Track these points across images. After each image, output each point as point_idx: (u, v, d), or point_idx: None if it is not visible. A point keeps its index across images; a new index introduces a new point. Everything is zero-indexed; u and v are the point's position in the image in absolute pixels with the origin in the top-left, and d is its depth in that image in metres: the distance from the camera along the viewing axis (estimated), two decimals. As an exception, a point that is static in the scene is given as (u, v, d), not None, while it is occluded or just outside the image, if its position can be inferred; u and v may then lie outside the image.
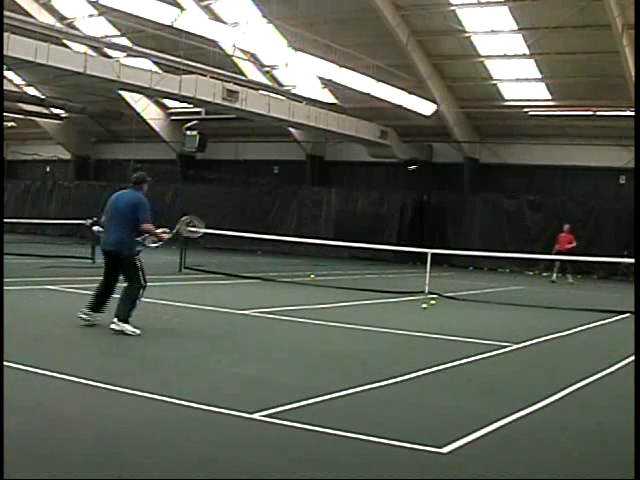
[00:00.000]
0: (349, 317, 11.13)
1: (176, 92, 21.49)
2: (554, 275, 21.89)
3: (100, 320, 8.88)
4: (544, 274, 24.86)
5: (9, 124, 35.33)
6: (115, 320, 8.47)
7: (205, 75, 22.31)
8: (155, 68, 24.11)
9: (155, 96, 27.93)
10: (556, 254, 21.10)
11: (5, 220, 23.44)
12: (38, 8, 28.09)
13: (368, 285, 16.70)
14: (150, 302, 11.66)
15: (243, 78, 25.77)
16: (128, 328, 8.39)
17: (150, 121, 33.10)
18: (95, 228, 20.68)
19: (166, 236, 9.13)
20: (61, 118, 34.40)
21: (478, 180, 29.30)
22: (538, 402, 6.11)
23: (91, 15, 27.96)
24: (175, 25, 18.51)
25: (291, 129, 30.40)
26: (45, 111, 32.34)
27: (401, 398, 6.27)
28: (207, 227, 21.35)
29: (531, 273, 24.97)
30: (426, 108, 26.18)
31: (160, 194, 33.07)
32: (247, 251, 27.44)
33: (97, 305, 8.92)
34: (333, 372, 7.22)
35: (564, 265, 21.39)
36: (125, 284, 8.85)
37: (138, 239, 8.92)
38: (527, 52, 24.20)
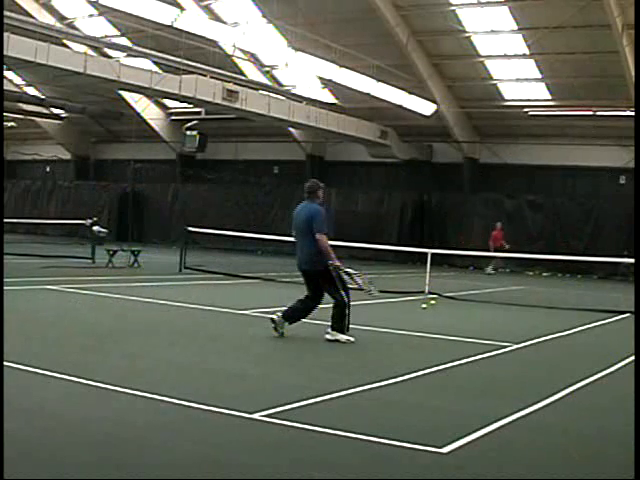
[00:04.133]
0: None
1: (176, 92, 21.48)
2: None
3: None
4: (544, 274, 24.88)
5: (9, 124, 35.29)
6: (329, 330, 8.82)
7: (205, 75, 22.29)
8: (155, 68, 24.08)
9: (155, 96, 27.92)
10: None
11: (5, 220, 23.42)
12: (38, 8, 28.08)
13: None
14: (150, 302, 11.64)
15: (243, 78, 25.75)
16: (342, 337, 8.75)
17: (150, 121, 33.09)
18: (95, 228, 20.80)
19: (337, 263, 8.76)
20: (61, 118, 34.39)
21: (478, 180, 29.28)
22: (538, 402, 6.10)
23: (91, 15, 27.95)
24: (175, 25, 18.51)
25: (291, 129, 30.38)
26: (45, 111, 32.32)
27: (401, 398, 6.26)
28: (207, 227, 21.63)
29: (531, 273, 24.96)
30: (426, 108, 26.17)
31: (160, 194, 33.28)
32: (247, 251, 27.43)
33: (293, 317, 8.97)
34: (333, 372, 7.22)
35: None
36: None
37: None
38: (527, 52, 24.18)
